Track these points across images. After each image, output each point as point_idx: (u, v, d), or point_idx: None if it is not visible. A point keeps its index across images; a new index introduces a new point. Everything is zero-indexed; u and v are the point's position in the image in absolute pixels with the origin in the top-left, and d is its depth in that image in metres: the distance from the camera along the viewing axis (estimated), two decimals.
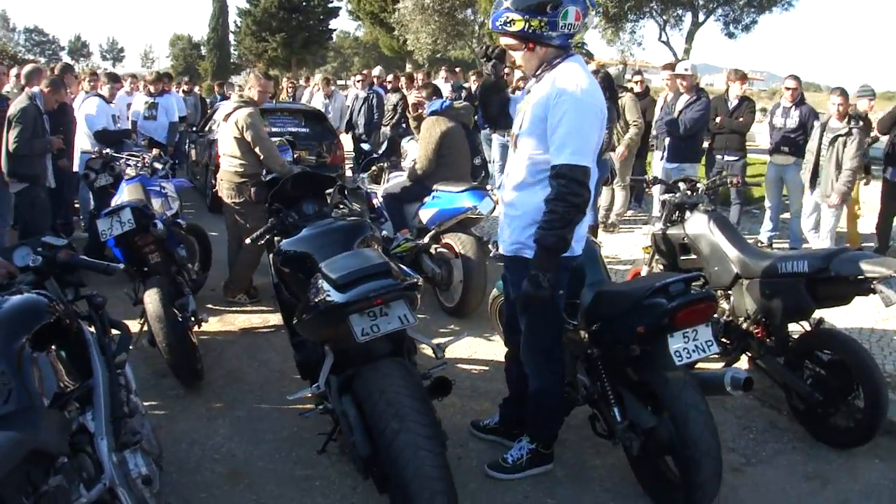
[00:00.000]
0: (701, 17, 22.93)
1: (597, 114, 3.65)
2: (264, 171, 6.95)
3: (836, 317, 5.95)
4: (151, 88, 12.59)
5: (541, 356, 4.03)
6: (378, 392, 3.38)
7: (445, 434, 3.55)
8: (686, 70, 9.83)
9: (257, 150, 6.90)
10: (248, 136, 6.87)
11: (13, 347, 2.56)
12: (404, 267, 3.96)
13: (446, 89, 13.34)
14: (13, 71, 9.74)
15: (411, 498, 3.18)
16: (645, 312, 3.73)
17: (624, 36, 23.96)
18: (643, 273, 6.30)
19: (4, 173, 7.46)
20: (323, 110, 14.67)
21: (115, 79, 10.84)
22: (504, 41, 3.77)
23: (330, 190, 5.25)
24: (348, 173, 13.28)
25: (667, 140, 9.70)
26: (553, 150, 3.57)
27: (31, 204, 7.62)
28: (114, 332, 3.52)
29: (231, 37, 57.83)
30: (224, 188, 7.18)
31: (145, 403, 3.76)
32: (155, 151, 7.91)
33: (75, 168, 9.18)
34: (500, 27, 3.64)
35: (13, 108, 7.39)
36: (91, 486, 2.53)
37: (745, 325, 5.14)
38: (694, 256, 5.67)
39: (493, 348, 6.11)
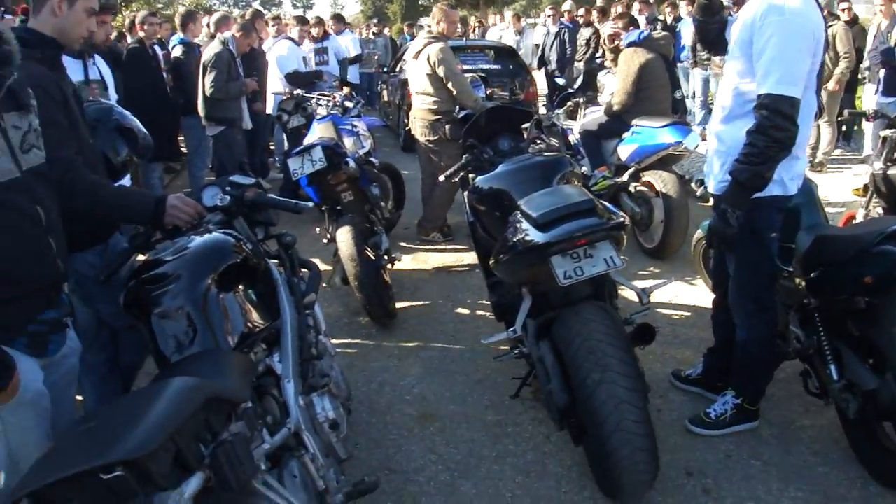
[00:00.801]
0: None
1: (807, 37, 3.20)
2: (457, 108, 6.85)
3: None
4: (314, 32, 12.62)
5: (751, 304, 3.68)
6: (579, 338, 3.18)
7: (649, 386, 3.33)
8: None
9: (450, 85, 6.82)
10: (440, 70, 6.80)
11: (199, 288, 2.55)
12: (608, 205, 3.69)
13: (641, 22, 12.85)
14: (204, 20, 9.97)
15: (610, 453, 3.03)
16: (873, 260, 3.27)
17: None
18: (859, 217, 5.70)
19: (202, 117, 7.66)
20: (514, 47, 14.41)
21: (303, 21, 10.96)
22: None
23: (526, 125, 5.02)
24: (542, 110, 13.07)
25: (881, 72, 8.79)
26: (758, 78, 3.21)
27: (228, 146, 7.79)
28: (304, 271, 3.48)
29: None
30: (417, 126, 7.16)
31: (337, 342, 3.72)
32: (346, 90, 7.96)
33: (269, 110, 9.36)
34: None
35: (207, 54, 7.54)
36: (276, 430, 2.45)
37: None
38: None
39: (696, 293, 5.76)
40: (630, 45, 7.13)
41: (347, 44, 13.94)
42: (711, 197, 3.77)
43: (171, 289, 2.50)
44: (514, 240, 3.43)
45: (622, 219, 3.45)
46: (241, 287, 2.80)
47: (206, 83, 7.45)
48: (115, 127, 3.61)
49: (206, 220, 3.07)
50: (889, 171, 5.35)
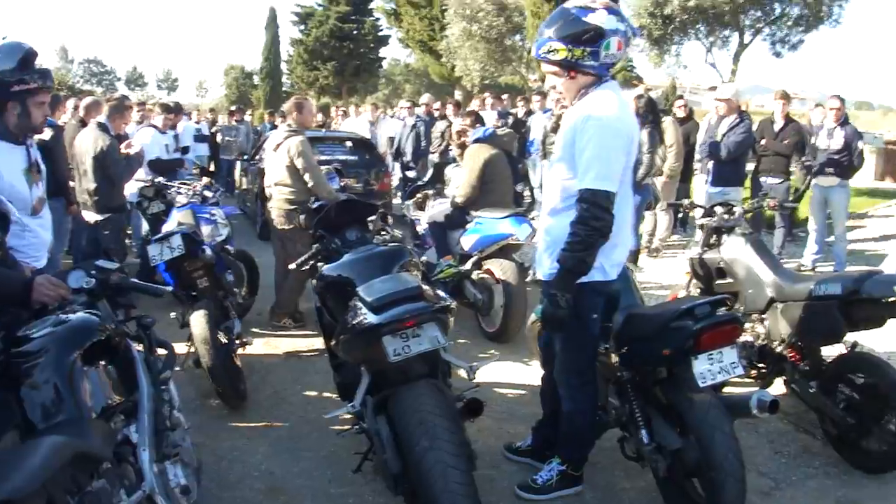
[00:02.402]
0: (747, 37, 22.74)
1: (622, 138, 3.72)
2: (312, 199, 7.14)
3: (872, 340, 5.94)
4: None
5: (574, 378, 4.10)
6: (410, 411, 3.52)
7: (475, 454, 3.67)
8: (728, 93, 9.84)
9: (306, 177, 7.16)
10: (298, 163, 7.15)
11: (65, 362, 2.78)
12: (440, 291, 4.10)
13: (492, 116, 13.51)
14: (70, 102, 10.03)
15: None
16: (671, 335, 3.80)
17: (669, 59, 23.86)
18: (681, 297, 6.32)
19: (90, 206, 7.54)
20: (369, 136, 14.90)
21: (168, 109, 11.12)
22: (546, 69, 3.86)
23: (372, 217, 5.42)
24: (396, 200, 13.49)
25: (710, 164, 9.65)
26: (579, 175, 3.67)
27: (116, 230, 7.77)
28: (160, 351, 3.72)
29: (283, 66, 58.64)
30: (274, 214, 7.43)
31: (190, 422, 3.92)
32: (205, 180, 8.15)
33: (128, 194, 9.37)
34: (543, 56, 3.75)
35: (97, 143, 7.36)
36: (132, 492, 2.69)
37: (779, 349, 5.18)
38: (730, 280, 5.71)
39: (531, 373, 6.15)
40: (476, 141, 7.65)
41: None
42: (540, 284, 4.18)
43: (40, 362, 2.74)
44: (353, 322, 3.76)
45: (448, 303, 3.85)
46: (102, 363, 3.07)
47: (95, 175, 7.35)
48: None
49: (71, 301, 3.30)
50: (705, 256, 5.98)
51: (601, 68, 3.75)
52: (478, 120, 8.20)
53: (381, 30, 49.37)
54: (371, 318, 3.63)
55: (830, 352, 5.04)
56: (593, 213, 3.57)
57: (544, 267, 4.02)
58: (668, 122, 10.25)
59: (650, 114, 9.02)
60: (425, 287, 3.86)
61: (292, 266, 5.32)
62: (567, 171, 3.82)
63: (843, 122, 9.45)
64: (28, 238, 4.27)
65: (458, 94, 35.66)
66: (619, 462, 4.47)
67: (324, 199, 6.98)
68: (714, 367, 3.73)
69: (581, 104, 3.78)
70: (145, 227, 8.84)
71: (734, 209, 6.04)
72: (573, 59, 3.67)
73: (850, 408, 4.70)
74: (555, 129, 12.33)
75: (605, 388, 4.44)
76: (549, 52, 3.71)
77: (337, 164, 9.32)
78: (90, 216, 7.55)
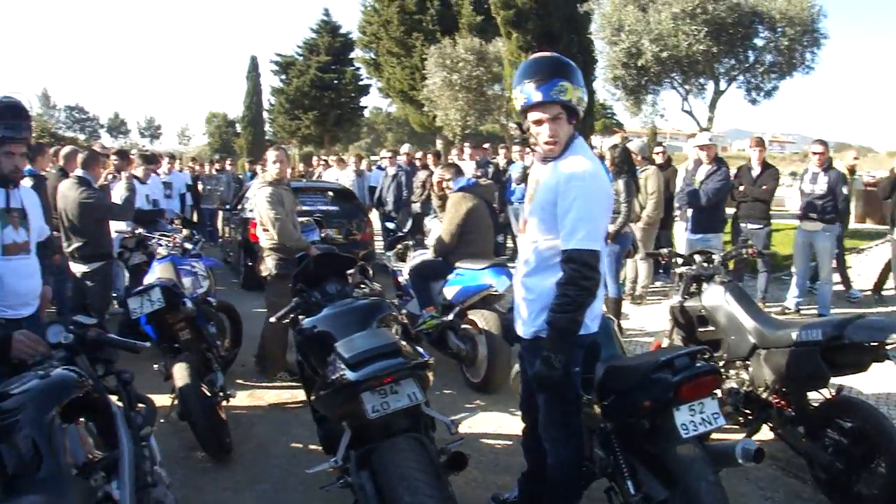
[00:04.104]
0: (723, 84, 22.94)
1: (606, 198, 3.80)
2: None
3: (858, 383, 5.96)
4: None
5: (558, 431, 4.05)
6: (392, 466, 3.51)
7: None
8: (705, 140, 9.98)
9: (270, 228, 7.22)
10: (262, 215, 7.24)
11: (44, 419, 2.77)
12: (418, 347, 4.10)
13: (471, 166, 13.60)
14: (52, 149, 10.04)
15: None
16: (651, 387, 3.80)
17: (646, 108, 24.03)
18: (664, 346, 6.31)
19: (78, 257, 7.52)
20: (353, 187, 15.00)
21: (149, 160, 11.13)
22: (542, 115, 3.76)
23: (352, 270, 5.45)
24: (378, 250, 13.53)
25: (689, 211, 9.75)
26: (563, 235, 3.67)
27: (103, 280, 7.73)
28: (140, 406, 3.70)
29: (265, 114, 58.91)
30: (257, 262, 7.59)
31: (173, 475, 3.92)
32: (185, 232, 8.18)
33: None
34: (553, 96, 3.67)
35: (79, 197, 7.37)
36: None
37: (764, 395, 5.18)
38: (712, 328, 5.72)
39: (518, 423, 5.94)
40: (459, 189, 7.71)
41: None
42: (518, 341, 4.17)
43: (19, 419, 2.73)
44: (332, 378, 3.77)
45: (426, 359, 3.85)
46: (82, 419, 3.05)
47: (82, 227, 7.36)
48: None
49: (50, 356, 3.31)
50: (685, 304, 5.99)
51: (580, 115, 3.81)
52: (458, 171, 8.24)
53: (362, 79, 49.56)
54: (349, 375, 3.64)
55: (817, 396, 5.04)
56: (583, 273, 3.59)
57: (525, 324, 4.01)
58: (650, 170, 10.29)
59: (625, 163, 9.09)
60: (403, 343, 3.87)
61: (273, 319, 5.32)
62: (546, 231, 3.82)
63: (827, 167, 9.55)
64: None
65: (439, 143, 35.88)
66: None
67: (293, 246, 7.14)
68: (696, 418, 3.73)
69: (559, 163, 3.79)
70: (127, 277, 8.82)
71: (713, 257, 6.09)
72: (576, 101, 3.70)
73: (839, 452, 4.70)
74: (523, 179, 12.46)
75: (589, 440, 4.41)
76: (560, 91, 3.67)
77: (318, 215, 9.36)
78: (77, 268, 7.53)
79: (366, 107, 57.11)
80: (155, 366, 6.00)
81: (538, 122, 3.79)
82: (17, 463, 2.67)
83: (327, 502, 4.72)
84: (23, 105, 4.65)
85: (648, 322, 9.51)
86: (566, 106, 3.72)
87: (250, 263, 9.70)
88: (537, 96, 3.70)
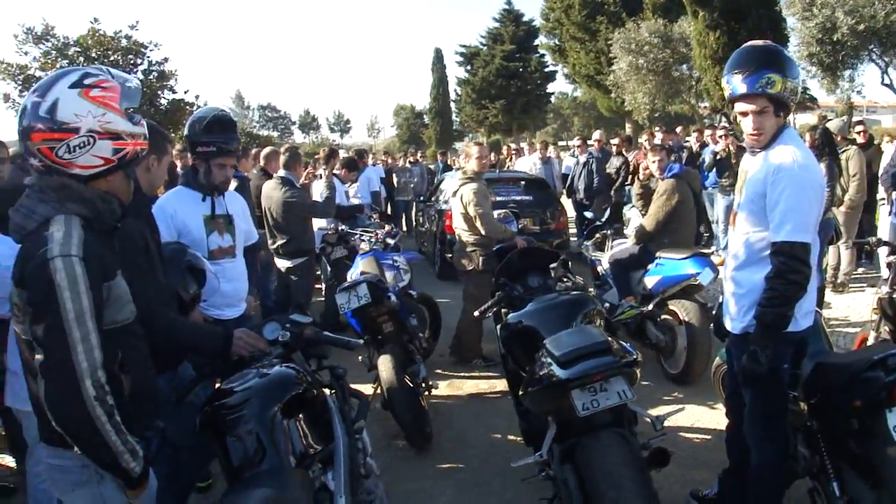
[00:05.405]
0: None
1: (816, 189, 3.62)
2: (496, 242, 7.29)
3: None
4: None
5: (764, 430, 3.95)
6: (597, 462, 3.49)
7: None
8: None
9: (478, 224, 7.30)
10: (471, 211, 7.30)
11: (267, 415, 2.97)
12: (625, 344, 4.03)
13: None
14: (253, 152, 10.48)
15: None
16: (862, 386, 3.60)
17: (843, 84, 22.60)
18: (870, 339, 5.99)
19: (283, 254, 7.78)
20: (542, 176, 14.89)
21: (350, 167, 11.29)
22: (747, 107, 3.68)
23: (554, 264, 5.43)
24: (572, 239, 13.42)
25: (895, 193, 9.20)
26: (773, 227, 3.58)
27: (307, 275, 7.99)
28: (353, 399, 3.85)
29: (452, 105, 59.69)
30: (455, 256, 7.69)
31: (376, 463, 4.02)
32: (387, 227, 8.43)
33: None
34: (759, 89, 3.59)
35: (283, 196, 7.55)
36: None
37: None
38: None
39: (716, 417, 5.99)
40: (673, 176, 7.53)
41: (374, 176, 14.57)
42: (727, 336, 4.09)
43: (244, 414, 2.93)
44: (541, 374, 3.77)
45: (634, 357, 3.78)
46: (300, 414, 3.19)
47: (286, 224, 7.59)
48: (187, 266, 4.09)
49: (267, 353, 3.48)
50: (895, 296, 5.65)
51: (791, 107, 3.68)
52: (669, 154, 8.02)
53: (548, 66, 49.48)
54: (559, 373, 3.63)
55: None
56: (792, 267, 3.49)
57: (732, 319, 3.93)
58: (852, 151, 9.79)
59: (826, 146, 8.65)
60: (612, 340, 3.82)
61: (477, 313, 5.39)
62: (756, 223, 3.73)
63: None
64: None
65: (628, 127, 35.30)
66: None
67: (500, 238, 7.17)
68: None
69: (765, 154, 3.69)
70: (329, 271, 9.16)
71: None
72: (785, 92, 3.58)
73: None
74: (713, 166, 12.07)
75: (794, 437, 4.23)
76: (767, 83, 3.57)
77: (513, 206, 9.37)
78: (282, 264, 7.83)
79: (552, 93, 56.99)
80: (360, 357, 6.17)
81: (743, 114, 3.71)
82: (243, 456, 2.88)
83: (525, 492, 4.73)
84: (231, 117, 4.95)
85: (852, 311, 9.02)
86: (773, 98, 3.60)
87: (448, 256, 9.77)
88: (742, 88, 3.61)
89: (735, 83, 3.64)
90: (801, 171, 3.55)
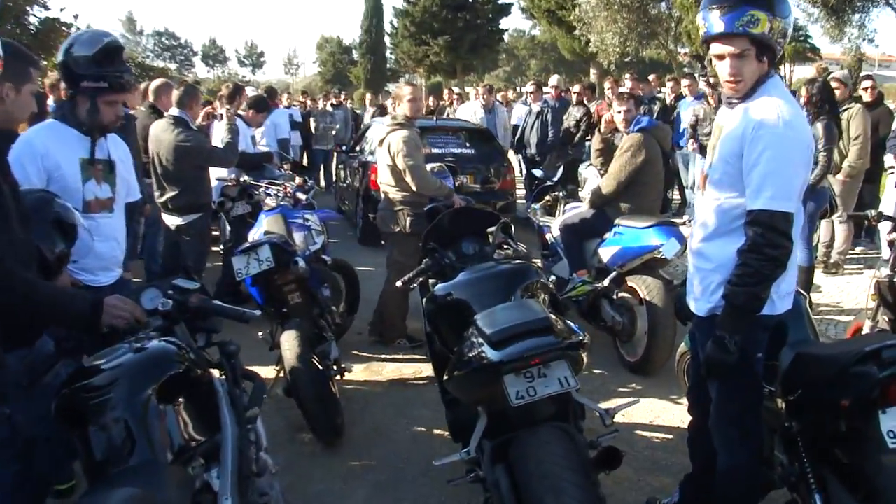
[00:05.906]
0: None
1: (803, 151, 3.58)
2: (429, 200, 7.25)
3: None
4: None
5: (732, 429, 3.94)
6: (534, 461, 3.45)
7: None
8: None
9: (408, 178, 7.23)
10: (399, 162, 7.23)
11: (139, 399, 2.84)
12: (571, 323, 4.00)
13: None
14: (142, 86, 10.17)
15: None
16: (851, 382, 3.56)
17: (851, 30, 22.74)
18: (866, 328, 6.03)
19: (171, 208, 7.69)
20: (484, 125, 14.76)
21: (258, 107, 11.12)
22: (727, 49, 3.61)
23: (493, 228, 5.37)
24: (520, 201, 13.46)
25: None
26: (749, 193, 3.54)
27: (201, 235, 7.93)
28: (247, 382, 3.75)
29: (387, 39, 59.30)
30: (379, 215, 7.66)
31: (277, 459, 3.98)
32: (298, 179, 8.30)
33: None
34: (739, 28, 3.52)
35: (176, 140, 7.43)
36: None
37: None
38: None
39: (680, 413, 6.02)
40: (640, 130, 7.45)
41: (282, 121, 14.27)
42: (690, 319, 4.11)
43: (110, 398, 2.79)
44: (469, 356, 3.72)
45: (581, 338, 3.75)
46: (181, 398, 3.09)
47: (177, 173, 7.49)
48: (55, 220, 3.88)
49: (144, 325, 3.36)
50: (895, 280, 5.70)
51: (778, 53, 3.66)
52: (639, 105, 8.00)
53: None
54: (490, 354, 3.58)
55: None
56: (769, 240, 3.45)
57: (697, 300, 3.93)
58: (855, 110, 9.80)
59: (826, 102, 8.69)
60: (554, 318, 3.79)
61: (399, 283, 5.31)
62: (730, 188, 3.69)
63: None
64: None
65: (593, 73, 35.39)
66: None
67: (435, 195, 7.16)
68: None
69: (748, 107, 3.64)
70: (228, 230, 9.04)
71: None
72: (770, 33, 3.53)
73: None
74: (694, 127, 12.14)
75: (770, 440, 4.25)
76: (749, 21, 3.50)
77: (451, 159, 9.31)
78: (171, 220, 7.73)
79: (506, 30, 56.92)
80: (260, 334, 6.11)
81: (720, 57, 3.65)
82: (107, 448, 2.75)
83: (451, 498, 4.76)
84: (121, 45, 4.76)
85: (846, 296, 9.18)
86: (756, 40, 3.55)
87: (372, 216, 9.68)
88: (719, 26, 3.55)
89: (712, 20, 3.58)
90: (786, 129, 3.50)
